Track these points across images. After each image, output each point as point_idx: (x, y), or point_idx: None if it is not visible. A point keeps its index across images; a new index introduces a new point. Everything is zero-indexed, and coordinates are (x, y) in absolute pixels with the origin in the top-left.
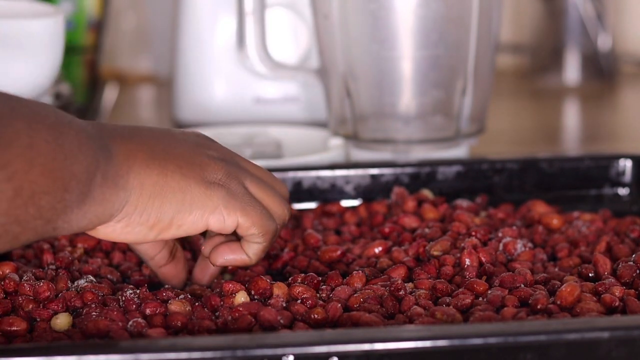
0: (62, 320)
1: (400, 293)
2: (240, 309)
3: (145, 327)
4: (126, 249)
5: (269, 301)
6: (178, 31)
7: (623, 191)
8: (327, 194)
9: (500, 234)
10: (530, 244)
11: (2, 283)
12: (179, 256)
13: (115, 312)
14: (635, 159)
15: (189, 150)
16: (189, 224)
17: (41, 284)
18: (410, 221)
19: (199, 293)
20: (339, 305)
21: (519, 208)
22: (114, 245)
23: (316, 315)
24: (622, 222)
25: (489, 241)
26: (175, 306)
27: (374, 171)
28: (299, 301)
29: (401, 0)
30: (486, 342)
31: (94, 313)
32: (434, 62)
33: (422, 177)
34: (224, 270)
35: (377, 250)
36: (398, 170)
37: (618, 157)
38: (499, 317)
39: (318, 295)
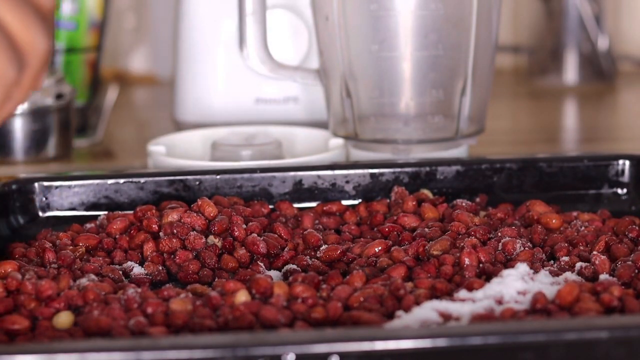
0: (64, 319)
1: (400, 292)
2: (241, 308)
3: (147, 325)
4: (128, 248)
5: (270, 300)
6: (178, 31)
7: (621, 191)
8: (328, 194)
9: (499, 234)
10: (529, 244)
11: (4, 281)
12: None
13: (116, 311)
14: (634, 159)
15: None
16: None
17: (43, 282)
18: (410, 221)
19: (200, 292)
20: (339, 304)
21: (518, 208)
22: (116, 244)
23: (316, 315)
24: (621, 222)
25: (489, 241)
26: (176, 305)
27: (374, 171)
28: (299, 300)
29: (401, 0)
30: (485, 342)
31: (95, 311)
32: (434, 62)
33: (421, 176)
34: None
35: (377, 249)
36: (398, 170)
37: (617, 157)
38: (499, 316)
39: (318, 294)
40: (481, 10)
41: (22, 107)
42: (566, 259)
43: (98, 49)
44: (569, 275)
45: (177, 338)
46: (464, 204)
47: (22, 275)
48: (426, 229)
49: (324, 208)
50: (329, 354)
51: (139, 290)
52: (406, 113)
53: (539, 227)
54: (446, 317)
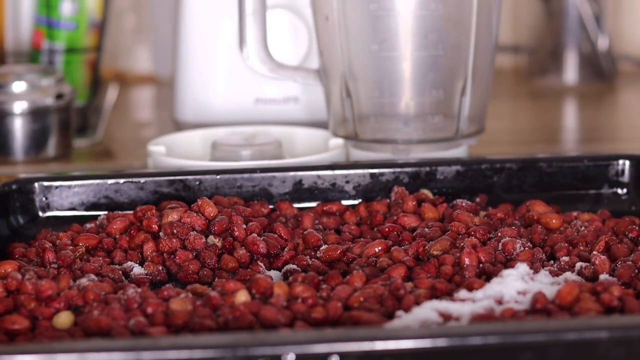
0: (64, 319)
1: (400, 292)
2: (241, 307)
3: (147, 325)
4: (128, 248)
5: (270, 300)
6: (179, 31)
7: (621, 191)
8: (328, 194)
9: (499, 234)
10: (529, 244)
11: (4, 281)
12: None
13: (116, 311)
14: (634, 159)
15: None
16: None
17: (43, 282)
18: (410, 221)
19: (200, 292)
20: (339, 304)
21: (518, 208)
22: (116, 244)
23: (316, 315)
24: (621, 222)
25: (488, 241)
26: (176, 305)
27: (374, 171)
28: (299, 300)
29: (401, 0)
30: (485, 342)
31: (95, 311)
32: (434, 62)
33: (421, 176)
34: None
35: (377, 249)
36: (398, 170)
37: (617, 157)
38: (499, 316)
39: (318, 294)
40: (481, 10)
41: (22, 107)
42: (566, 259)
43: (98, 49)
44: (569, 275)
45: (177, 338)
46: (464, 204)
47: (22, 275)
48: (426, 229)
49: (324, 208)
50: (329, 354)
51: (139, 290)
52: (406, 113)
53: (539, 227)
54: (446, 317)
